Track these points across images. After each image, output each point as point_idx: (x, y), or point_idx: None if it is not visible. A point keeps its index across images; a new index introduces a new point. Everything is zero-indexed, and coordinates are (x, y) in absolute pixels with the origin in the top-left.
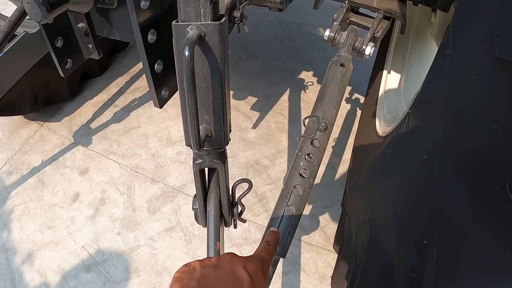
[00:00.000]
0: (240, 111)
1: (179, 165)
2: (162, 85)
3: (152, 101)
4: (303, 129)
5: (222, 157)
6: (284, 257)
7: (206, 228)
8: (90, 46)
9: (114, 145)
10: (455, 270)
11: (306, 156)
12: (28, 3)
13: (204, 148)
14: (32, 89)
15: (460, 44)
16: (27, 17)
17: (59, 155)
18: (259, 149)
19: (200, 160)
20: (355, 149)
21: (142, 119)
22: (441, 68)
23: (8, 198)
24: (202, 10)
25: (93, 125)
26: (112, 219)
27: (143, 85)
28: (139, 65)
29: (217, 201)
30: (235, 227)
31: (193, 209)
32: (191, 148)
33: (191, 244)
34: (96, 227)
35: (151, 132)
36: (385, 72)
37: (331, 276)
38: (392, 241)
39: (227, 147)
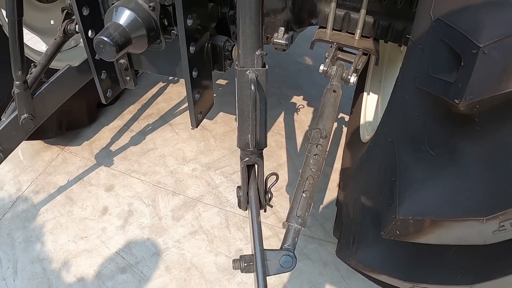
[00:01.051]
0: None
1: (196, 179)
2: (198, 109)
3: (164, 125)
4: (298, 144)
5: (261, 156)
6: (304, 227)
7: (246, 212)
8: (128, 78)
9: (135, 165)
10: (408, 191)
11: (314, 156)
12: (101, 46)
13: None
14: (58, 115)
15: (403, 77)
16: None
17: (84, 175)
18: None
19: (247, 158)
20: (345, 154)
21: (157, 142)
22: (396, 91)
23: (38, 214)
24: (255, 61)
25: (113, 148)
26: (141, 227)
27: (154, 112)
28: (148, 94)
29: (256, 190)
30: (265, 211)
31: (237, 196)
32: (242, 150)
33: (213, 244)
34: (126, 235)
35: (167, 152)
36: (365, 94)
37: (335, 251)
38: (377, 191)
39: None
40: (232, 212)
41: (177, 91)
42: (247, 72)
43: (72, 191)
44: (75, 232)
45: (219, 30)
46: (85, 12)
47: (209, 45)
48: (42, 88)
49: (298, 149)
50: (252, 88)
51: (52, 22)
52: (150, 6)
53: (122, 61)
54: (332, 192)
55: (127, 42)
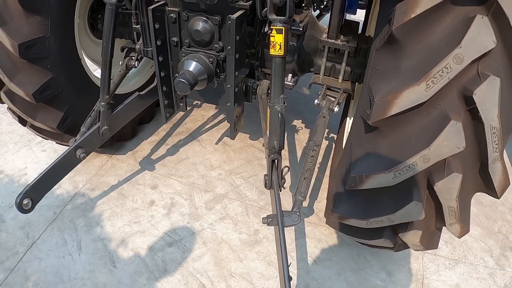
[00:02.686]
0: (256, 147)
1: (221, 181)
2: (235, 127)
3: (193, 141)
4: (298, 157)
5: (280, 154)
6: (304, 199)
7: (269, 191)
8: (181, 104)
9: (172, 170)
10: (356, 164)
11: (311, 157)
12: (180, 84)
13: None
14: None
15: (357, 109)
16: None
17: (131, 177)
18: None
19: (272, 155)
20: (333, 160)
21: (189, 153)
22: (355, 116)
23: (95, 206)
24: (280, 100)
25: (153, 157)
26: (182, 214)
27: (183, 130)
28: (177, 116)
29: (276, 175)
30: (280, 190)
31: (264, 180)
32: (269, 150)
33: (237, 226)
34: (171, 220)
35: (197, 161)
36: (348, 118)
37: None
38: (346, 171)
39: None
40: (250, 204)
41: (201, 114)
42: (275, 107)
43: (123, 188)
44: (129, 219)
45: (248, 75)
46: (160, 59)
47: (244, 85)
48: (119, 108)
49: (298, 160)
50: (279, 116)
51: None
52: (210, 60)
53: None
54: (324, 192)
55: (195, 83)
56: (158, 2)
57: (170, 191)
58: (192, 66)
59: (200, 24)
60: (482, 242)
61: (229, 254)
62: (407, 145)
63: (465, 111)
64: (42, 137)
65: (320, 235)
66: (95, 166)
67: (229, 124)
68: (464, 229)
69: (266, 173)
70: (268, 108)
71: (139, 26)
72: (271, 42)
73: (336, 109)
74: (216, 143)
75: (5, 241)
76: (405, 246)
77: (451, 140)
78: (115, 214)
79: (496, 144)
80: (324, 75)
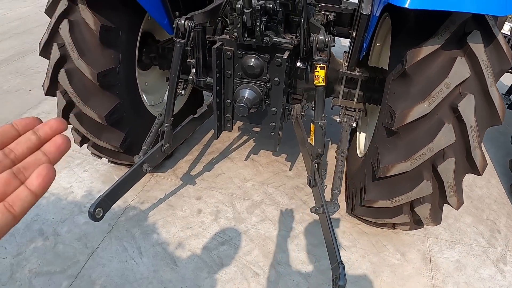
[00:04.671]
0: (279, 162)
1: (256, 190)
2: (278, 142)
3: (224, 159)
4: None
5: (321, 159)
6: (339, 193)
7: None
8: (229, 126)
9: (212, 183)
10: (382, 159)
11: (340, 161)
12: (240, 108)
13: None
14: None
15: (379, 121)
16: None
17: (176, 190)
18: (296, 180)
19: (316, 160)
20: (349, 166)
21: (223, 169)
22: (378, 126)
23: (148, 216)
24: (322, 116)
25: (192, 173)
26: (228, 219)
27: (214, 150)
28: (205, 138)
29: (318, 176)
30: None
31: (308, 179)
32: (313, 156)
33: (275, 225)
34: (219, 224)
35: (232, 175)
36: (357, 133)
37: (347, 210)
38: (374, 165)
39: None
40: (284, 208)
41: (227, 135)
42: (319, 123)
43: (171, 201)
44: (181, 225)
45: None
46: (218, 88)
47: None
48: (178, 128)
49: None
50: (322, 129)
51: (146, 84)
52: (260, 89)
53: (227, 115)
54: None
55: (251, 107)
56: (218, 42)
57: (213, 200)
58: (248, 93)
59: (252, 61)
60: (474, 227)
61: (273, 247)
62: (418, 142)
63: (454, 117)
64: (98, 155)
65: (343, 228)
66: (140, 183)
67: (254, 143)
68: (460, 201)
69: (305, 176)
70: (311, 124)
71: (193, 60)
72: (316, 76)
73: (354, 124)
74: (245, 160)
75: (63, 252)
76: (418, 223)
77: (446, 136)
78: (168, 222)
79: (475, 137)
80: (342, 98)
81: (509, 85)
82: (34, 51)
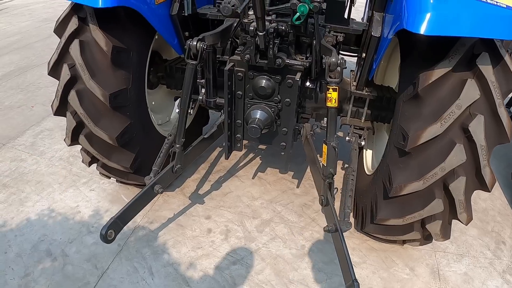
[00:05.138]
0: (286, 179)
1: (265, 209)
2: (289, 161)
3: (232, 177)
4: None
5: (333, 179)
6: (351, 211)
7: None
8: (239, 146)
9: (220, 202)
10: (395, 178)
11: (351, 180)
12: (253, 129)
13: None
14: None
15: (390, 140)
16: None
17: (185, 210)
18: (304, 197)
19: (328, 180)
20: (358, 184)
21: (231, 187)
22: (388, 144)
23: (158, 236)
24: (334, 136)
25: (200, 192)
26: (238, 238)
27: (221, 168)
28: (212, 156)
29: (331, 194)
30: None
31: (320, 199)
32: (326, 176)
33: (286, 243)
34: (230, 243)
35: (240, 194)
36: (364, 150)
37: (356, 227)
38: (386, 184)
39: None
40: (293, 225)
41: (234, 153)
42: (331, 143)
43: (180, 220)
44: (192, 245)
45: None
46: (229, 109)
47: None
48: (189, 149)
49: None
50: (334, 150)
51: (153, 103)
52: (272, 110)
53: (238, 135)
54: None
55: (263, 128)
56: (229, 63)
57: (223, 219)
58: (260, 114)
59: (264, 82)
60: (479, 240)
61: (285, 266)
62: (430, 161)
63: (464, 136)
64: (107, 175)
65: (353, 244)
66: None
67: (260, 161)
68: (469, 217)
69: (313, 193)
70: (324, 144)
71: (203, 80)
72: (328, 97)
73: (363, 143)
74: (253, 178)
75: (73, 273)
76: (427, 238)
77: (457, 156)
78: (178, 242)
79: (485, 156)
80: (350, 117)
81: (510, 97)
82: (34, 66)
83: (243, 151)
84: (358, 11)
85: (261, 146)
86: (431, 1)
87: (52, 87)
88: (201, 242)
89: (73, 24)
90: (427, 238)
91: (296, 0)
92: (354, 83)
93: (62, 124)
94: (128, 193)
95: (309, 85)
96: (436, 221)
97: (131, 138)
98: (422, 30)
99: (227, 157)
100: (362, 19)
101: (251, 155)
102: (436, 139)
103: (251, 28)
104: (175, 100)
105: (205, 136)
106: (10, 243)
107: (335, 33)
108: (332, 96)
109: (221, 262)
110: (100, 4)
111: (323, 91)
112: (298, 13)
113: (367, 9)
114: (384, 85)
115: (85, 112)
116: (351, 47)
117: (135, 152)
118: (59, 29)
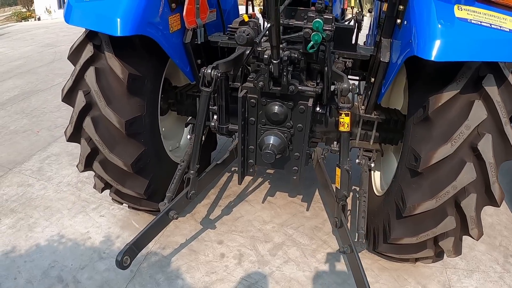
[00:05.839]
0: (296, 203)
1: (276, 232)
2: (298, 178)
3: (241, 202)
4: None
5: (346, 202)
6: (364, 232)
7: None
8: (251, 171)
9: (232, 227)
10: (408, 198)
11: (363, 201)
12: (267, 155)
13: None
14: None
15: (402, 161)
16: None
17: (197, 235)
18: (314, 220)
19: (342, 202)
20: (370, 205)
21: (241, 212)
22: (399, 166)
23: (171, 262)
24: (347, 160)
25: (211, 217)
26: (251, 262)
27: (230, 193)
28: (221, 181)
29: (344, 216)
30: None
31: (334, 221)
32: (339, 199)
33: (299, 266)
34: (243, 267)
35: (251, 218)
36: (372, 171)
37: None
38: (398, 204)
39: None
40: (305, 248)
41: None
42: (345, 167)
43: (192, 245)
44: (206, 270)
45: None
46: (242, 135)
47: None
48: (203, 175)
49: None
50: (347, 173)
51: (163, 129)
52: (285, 135)
53: (250, 160)
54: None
55: (277, 153)
56: (242, 90)
57: (235, 244)
58: (274, 140)
59: (276, 108)
60: (488, 255)
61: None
62: (442, 180)
63: (473, 155)
64: (120, 202)
65: (365, 264)
66: None
67: (269, 185)
68: (480, 232)
69: (322, 215)
70: (337, 167)
71: (215, 107)
72: (341, 122)
73: (372, 165)
74: (263, 202)
75: None
76: (439, 255)
77: (468, 174)
78: (192, 267)
79: (493, 172)
80: (359, 140)
81: None
82: (39, 91)
83: (251, 177)
84: (360, 35)
85: (269, 171)
86: (440, 28)
87: (56, 112)
88: (215, 267)
89: (88, 51)
90: (438, 255)
91: (309, 29)
92: (362, 107)
93: (69, 149)
94: (139, 219)
95: (319, 110)
96: (448, 237)
97: (145, 165)
98: (433, 56)
99: (240, 182)
100: (365, 43)
101: (259, 180)
102: (447, 159)
103: (265, 56)
104: (186, 126)
105: (218, 162)
106: (20, 269)
107: (344, 59)
108: (345, 121)
109: (235, 286)
110: (118, 33)
111: (333, 116)
112: (312, 42)
113: (370, 32)
114: (390, 108)
115: (100, 139)
116: (354, 70)
117: (148, 178)
118: (73, 56)
